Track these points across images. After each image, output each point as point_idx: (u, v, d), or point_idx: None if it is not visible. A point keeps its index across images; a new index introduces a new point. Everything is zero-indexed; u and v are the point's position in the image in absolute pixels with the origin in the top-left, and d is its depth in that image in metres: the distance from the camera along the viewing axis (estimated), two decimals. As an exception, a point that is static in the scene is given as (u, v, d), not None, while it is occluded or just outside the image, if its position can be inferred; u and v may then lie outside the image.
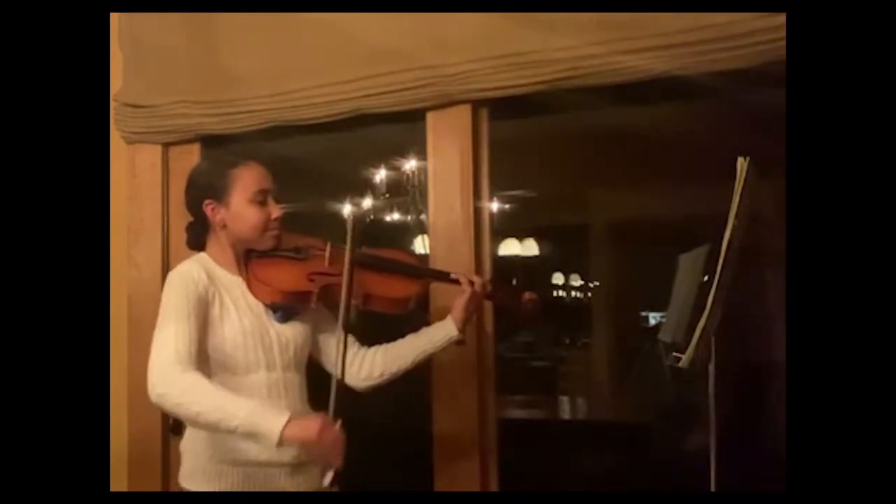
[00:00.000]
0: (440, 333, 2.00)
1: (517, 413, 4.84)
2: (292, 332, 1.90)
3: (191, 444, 1.86)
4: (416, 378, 2.14)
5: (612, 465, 3.93)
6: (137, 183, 2.71)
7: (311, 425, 1.62)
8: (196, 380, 1.65)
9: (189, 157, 2.63)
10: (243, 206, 1.86)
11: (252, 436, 1.61)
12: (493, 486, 2.35)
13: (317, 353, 2.01)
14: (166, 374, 1.65)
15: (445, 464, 2.34)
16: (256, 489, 1.81)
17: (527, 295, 2.08)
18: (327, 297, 1.91)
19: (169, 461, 2.56)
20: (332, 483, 1.64)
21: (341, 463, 1.65)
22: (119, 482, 2.57)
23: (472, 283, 2.00)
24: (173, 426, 2.52)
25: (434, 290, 2.23)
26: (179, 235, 2.63)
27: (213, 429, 1.67)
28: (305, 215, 2.32)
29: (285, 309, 1.89)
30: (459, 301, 2.00)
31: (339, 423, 1.66)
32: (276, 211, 1.89)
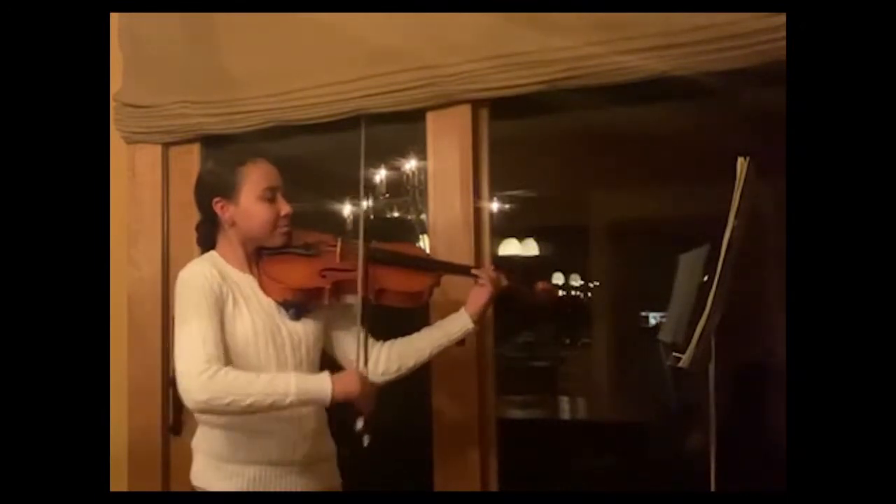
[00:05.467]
0: (456, 326, 2.00)
1: (517, 413, 4.84)
2: (304, 330, 1.90)
3: (203, 443, 1.87)
4: (417, 378, 2.14)
5: (612, 465, 3.93)
6: (137, 183, 2.72)
7: (353, 380, 1.76)
8: (233, 375, 1.70)
9: (189, 157, 2.63)
10: (252, 203, 1.87)
11: (305, 403, 1.75)
12: (493, 486, 2.35)
13: (331, 349, 2.00)
14: (202, 380, 1.68)
15: (445, 463, 2.35)
16: (267, 488, 1.82)
17: (541, 285, 2.11)
18: (340, 292, 1.91)
19: (169, 461, 2.56)
20: (364, 428, 1.75)
21: (372, 409, 1.77)
22: (119, 482, 2.57)
23: (493, 278, 2.00)
24: (173, 426, 2.53)
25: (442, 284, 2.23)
26: (179, 235, 2.63)
27: (267, 410, 1.72)
28: (305, 215, 2.31)
29: (298, 306, 1.89)
30: (478, 294, 2.00)
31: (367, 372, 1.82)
32: (285, 208, 1.89)
